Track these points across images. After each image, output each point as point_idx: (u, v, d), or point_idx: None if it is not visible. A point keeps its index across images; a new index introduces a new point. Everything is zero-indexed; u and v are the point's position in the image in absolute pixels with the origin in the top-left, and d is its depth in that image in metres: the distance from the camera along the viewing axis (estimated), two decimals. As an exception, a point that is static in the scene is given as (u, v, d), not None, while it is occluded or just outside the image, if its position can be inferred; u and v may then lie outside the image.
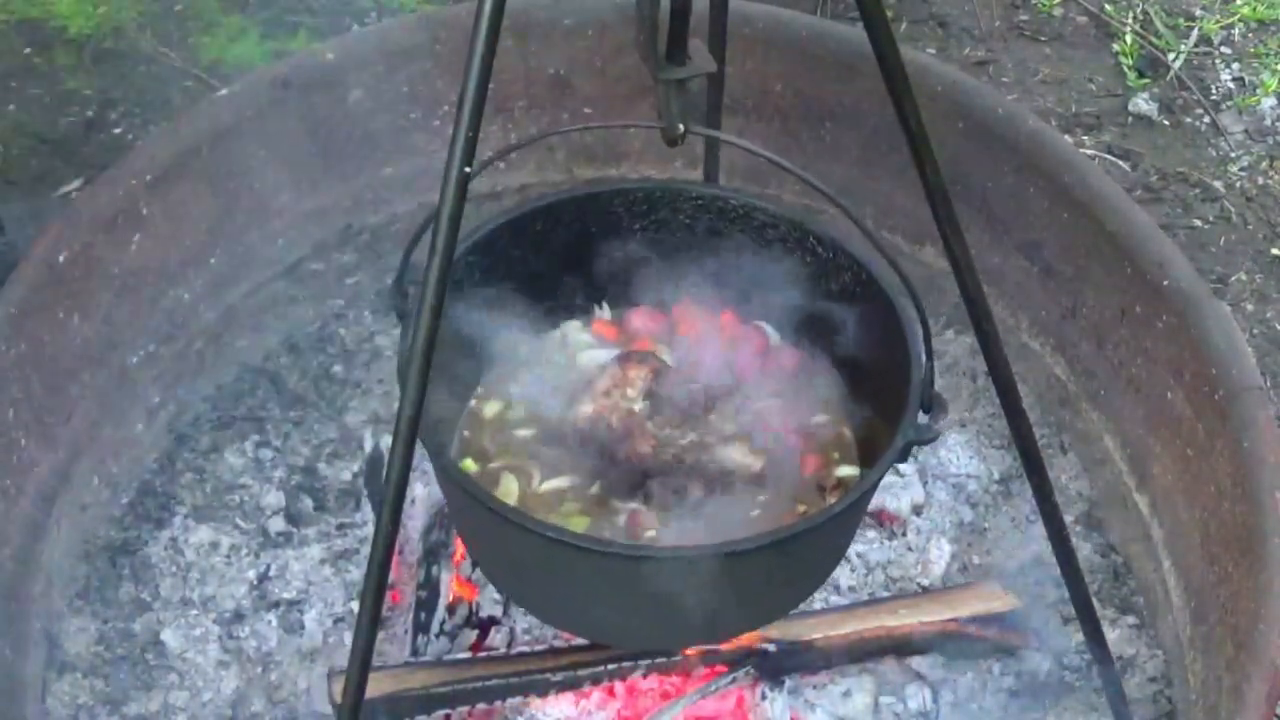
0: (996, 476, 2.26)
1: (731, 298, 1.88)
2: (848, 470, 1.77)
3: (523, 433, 1.80)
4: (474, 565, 2.02)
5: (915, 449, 1.61)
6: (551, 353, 1.87)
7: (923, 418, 1.61)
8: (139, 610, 2.11)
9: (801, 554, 1.64)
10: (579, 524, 1.69)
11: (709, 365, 1.83)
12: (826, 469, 1.76)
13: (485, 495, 1.59)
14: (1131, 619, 2.11)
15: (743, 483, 1.71)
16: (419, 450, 1.51)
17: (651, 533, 1.68)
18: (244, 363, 2.37)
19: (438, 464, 1.61)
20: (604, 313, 1.91)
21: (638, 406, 1.71)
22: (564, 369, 1.85)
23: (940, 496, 2.23)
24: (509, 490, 1.74)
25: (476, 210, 2.36)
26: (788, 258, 1.82)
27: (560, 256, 1.84)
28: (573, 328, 1.90)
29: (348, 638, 1.98)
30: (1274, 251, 2.74)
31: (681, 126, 1.50)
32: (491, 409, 1.83)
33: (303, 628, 2.08)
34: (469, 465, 1.78)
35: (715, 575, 1.58)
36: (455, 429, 1.82)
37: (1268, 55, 3.07)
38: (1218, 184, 2.83)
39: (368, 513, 2.19)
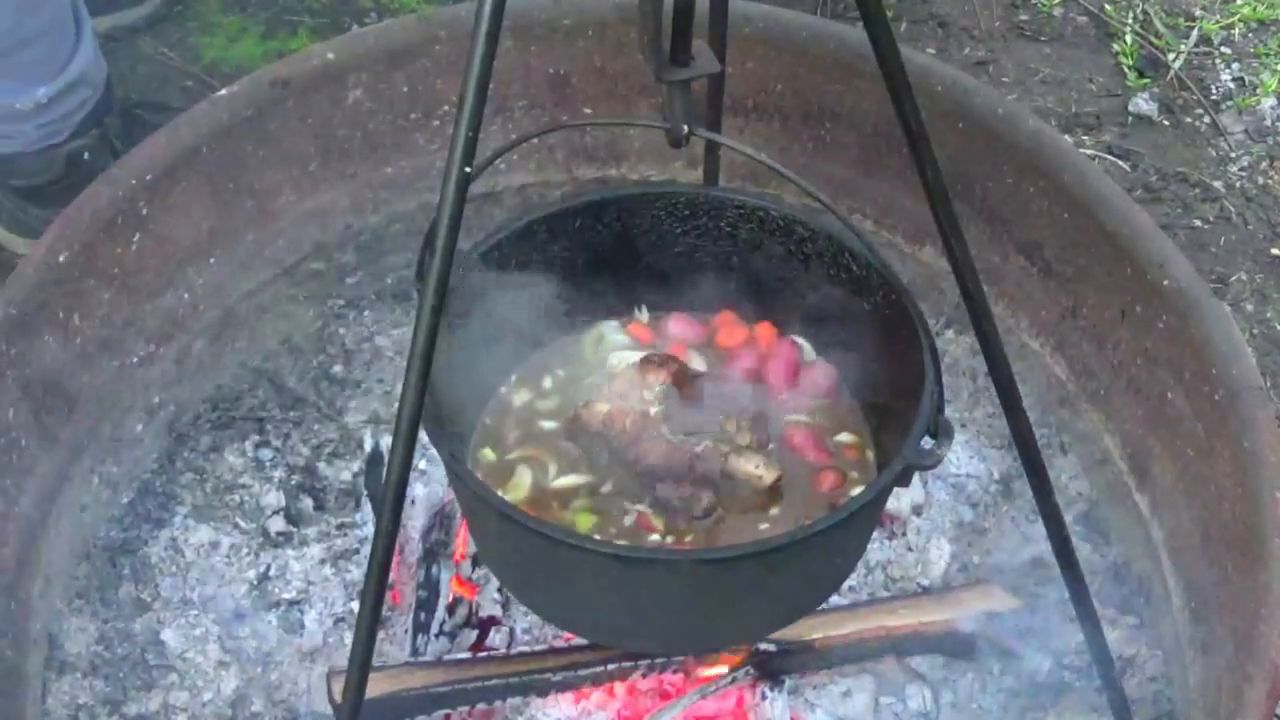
0: (996, 476, 2.26)
1: (769, 310, 1.89)
2: (860, 490, 1.76)
3: (547, 425, 1.80)
4: (475, 564, 2.02)
5: (918, 472, 1.61)
6: (586, 350, 1.88)
7: (929, 442, 1.61)
8: (139, 610, 2.11)
9: (791, 567, 1.64)
10: (585, 522, 1.69)
11: (736, 376, 1.83)
12: (842, 487, 1.76)
13: (486, 490, 1.59)
14: (1131, 619, 2.11)
15: (754, 495, 1.71)
16: (419, 450, 1.51)
17: (655, 537, 1.68)
18: (244, 363, 2.37)
19: (444, 454, 1.61)
20: (642, 315, 1.91)
21: (654, 410, 1.71)
22: (594, 367, 1.86)
23: (940, 496, 2.23)
24: (521, 483, 1.74)
25: (477, 212, 2.37)
26: (824, 273, 1.82)
27: (601, 255, 1.84)
28: (610, 327, 1.90)
29: (348, 638, 1.98)
30: (1274, 251, 2.74)
31: (686, 128, 1.50)
32: (521, 398, 1.84)
33: (303, 628, 2.09)
34: (487, 454, 1.79)
35: (696, 582, 1.58)
36: (478, 416, 1.82)
37: (1268, 55, 3.07)
38: (1218, 184, 2.83)
39: (368, 513, 2.19)
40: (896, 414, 1.71)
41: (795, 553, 1.57)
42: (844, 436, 1.82)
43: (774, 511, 1.72)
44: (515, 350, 1.85)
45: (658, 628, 1.71)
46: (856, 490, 1.75)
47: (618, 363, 1.84)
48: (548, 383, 1.85)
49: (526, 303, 1.81)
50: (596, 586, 1.62)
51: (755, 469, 1.70)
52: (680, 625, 1.69)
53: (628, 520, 1.70)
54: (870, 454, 1.81)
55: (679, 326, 1.90)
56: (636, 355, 1.82)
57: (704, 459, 1.70)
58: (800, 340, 1.88)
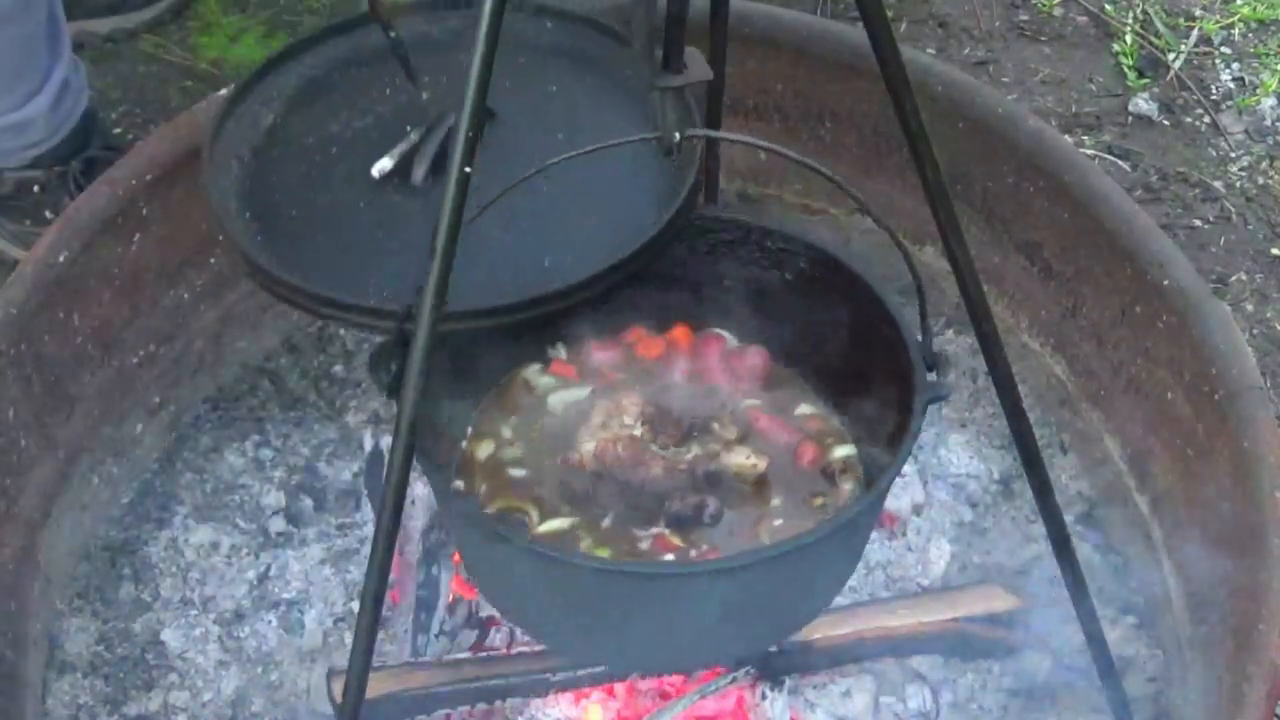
0: (996, 476, 2.26)
1: (679, 310, 1.86)
2: (845, 450, 1.77)
3: (518, 473, 1.76)
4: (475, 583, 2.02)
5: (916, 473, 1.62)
6: (520, 398, 1.83)
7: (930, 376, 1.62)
8: (139, 610, 2.11)
9: (834, 550, 1.65)
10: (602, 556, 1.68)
11: (681, 381, 1.82)
12: (824, 454, 1.76)
13: (514, 532, 1.58)
14: (1131, 619, 2.11)
15: (752, 485, 1.71)
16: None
17: (670, 557, 1.66)
18: (244, 363, 2.37)
19: (457, 508, 1.60)
20: (559, 352, 1.86)
21: (637, 432, 1.71)
22: (538, 413, 1.81)
23: (940, 496, 2.23)
24: None
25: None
26: (732, 257, 1.80)
27: None
28: (532, 372, 1.85)
29: (348, 638, 1.98)
30: (1274, 251, 2.74)
31: (677, 135, 1.50)
32: (484, 450, 1.79)
33: (303, 628, 2.09)
34: None
35: (746, 586, 1.58)
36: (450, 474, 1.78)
37: (1268, 55, 3.06)
38: (1218, 184, 2.83)
39: (368, 513, 2.19)
40: (863, 368, 1.71)
41: (845, 532, 1.57)
42: (803, 409, 1.82)
43: (775, 502, 1.72)
44: (467, 404, 1.80)
45: (695, 644, 1.70)
46: (839, 451, 1.76)
47: (557, 403, 1.81)
48: (508, 432, 1.80)
49: (457, 356, 1.73)
50: (639, 613, 1.60)
51: (747, 460, 1.71)
52: (719, 636, 1.68)
53: (644, 545, 1.68)
54: (834, 416, 1.81)
55: (599, 354, 1.85)
56: (573, 393, 1.80)
57: (700, 463, 1.70)
58: (720, 331, 1.86)
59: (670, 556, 1.66)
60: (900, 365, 1.64)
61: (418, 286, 1.39)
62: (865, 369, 1.72)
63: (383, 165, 1.63)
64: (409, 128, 1.66)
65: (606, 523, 1.70)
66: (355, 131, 1.71)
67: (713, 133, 1.62)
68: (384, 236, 1.58)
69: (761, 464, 1.71)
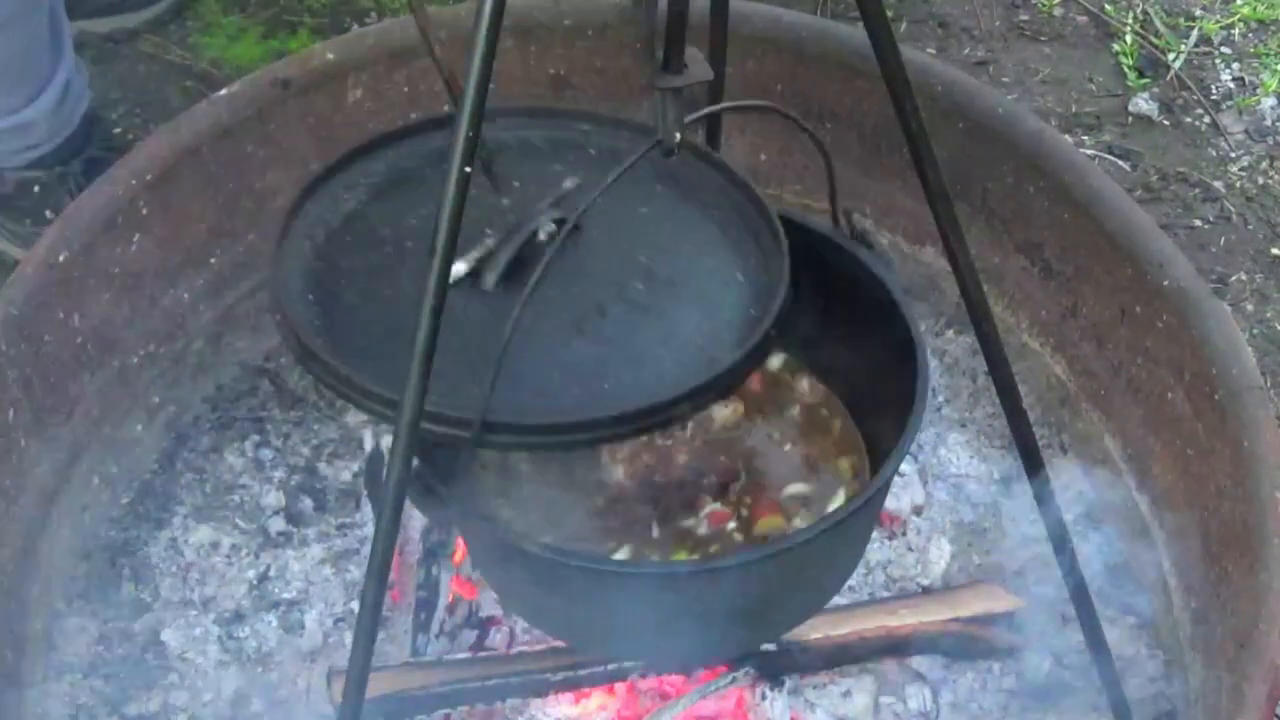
0: (996, 476, 2.26)
1: None
2: (776, 360, 1.83)
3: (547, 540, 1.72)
4: (474, 564, 2.02)
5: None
6: (486, 480, 1.80)
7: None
8: (139, 610, 2.11)
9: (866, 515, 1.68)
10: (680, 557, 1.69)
11: None
12: (764, 371, 1.79)
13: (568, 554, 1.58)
14: (1131, 619, 2.11)
15: (735, 431, 1.74)
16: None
17: (732, 524, 1.69)
18: (244, 363, 2.37)
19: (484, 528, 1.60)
20: None
21: (645, 437, 1.72)
22: (512, 480, 1.79)
23: (940, 496, 2.23)
24: None
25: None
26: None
27: None
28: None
29: (348, 638, 1.98)
30: (1274, 251, 2.74)
31: (678, 135, 1.50)
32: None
33: (303, 628, 2.09)
34: None
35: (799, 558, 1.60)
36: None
37: (1268, 55, 3.06)
38: (1218, 184, 2.83)
39: (368, 513, 2.19)
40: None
41: (865, 510, 1.60)
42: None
43: (772, 433, 1.75)
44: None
45: (702, 639, 1.70)
46: (774, 364, 1.81)
47: (519, 460, 1.78)
48: (507, 512, 1.76)
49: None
50: (661, 610, 1.61)
51: (728, 408, 1.75)
52: (727, 629, 1.68)
53: (703, 530, 1.69)
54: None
55: None
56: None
57: (703, 430, 1.73)
58: None
59: (732, 524, 1.68)
60: (826, 254, 1.65)
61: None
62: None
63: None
64: (487, 231, 1.63)
65: (656, 533, 1.70)
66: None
67: (712, 108, 1.62)
68: (444, 340, 1.55)
69: (740, 405, 1.73)
